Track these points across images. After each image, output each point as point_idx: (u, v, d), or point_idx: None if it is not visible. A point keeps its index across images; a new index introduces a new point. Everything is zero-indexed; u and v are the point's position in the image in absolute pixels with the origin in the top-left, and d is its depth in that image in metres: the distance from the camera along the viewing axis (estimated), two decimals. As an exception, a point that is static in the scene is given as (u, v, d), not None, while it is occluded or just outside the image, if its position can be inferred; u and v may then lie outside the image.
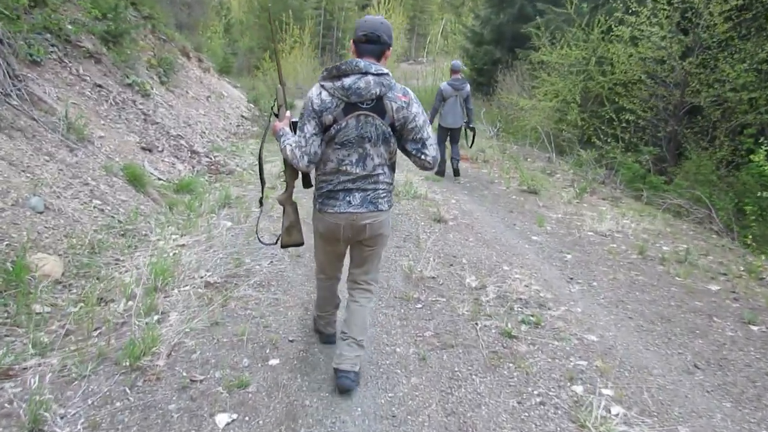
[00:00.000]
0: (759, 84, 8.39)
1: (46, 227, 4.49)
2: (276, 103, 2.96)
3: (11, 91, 5.90)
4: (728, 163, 8.90)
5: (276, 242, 3.14)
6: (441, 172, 8.96)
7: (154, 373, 2.87)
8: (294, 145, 2.69)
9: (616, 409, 2.85)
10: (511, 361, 3.29)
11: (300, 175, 2.97)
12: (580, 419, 2.73)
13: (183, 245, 4.94)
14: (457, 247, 5.35)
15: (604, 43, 11.24)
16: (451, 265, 4.85)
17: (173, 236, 5.19)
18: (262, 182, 3.25)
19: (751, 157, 7.62)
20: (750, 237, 6.51)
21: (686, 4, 9.30)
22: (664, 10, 9.53)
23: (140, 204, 5.90)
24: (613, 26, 10.71)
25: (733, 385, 3.27)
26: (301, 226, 3.06)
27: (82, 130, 6.39)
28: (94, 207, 5.28)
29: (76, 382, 2.77)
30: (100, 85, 8.02)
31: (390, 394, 2.89)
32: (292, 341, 3.36)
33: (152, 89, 9.63)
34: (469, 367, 3.20)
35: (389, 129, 2.67)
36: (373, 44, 2.65)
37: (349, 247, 2.99)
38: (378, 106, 2.62)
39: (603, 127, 10.77)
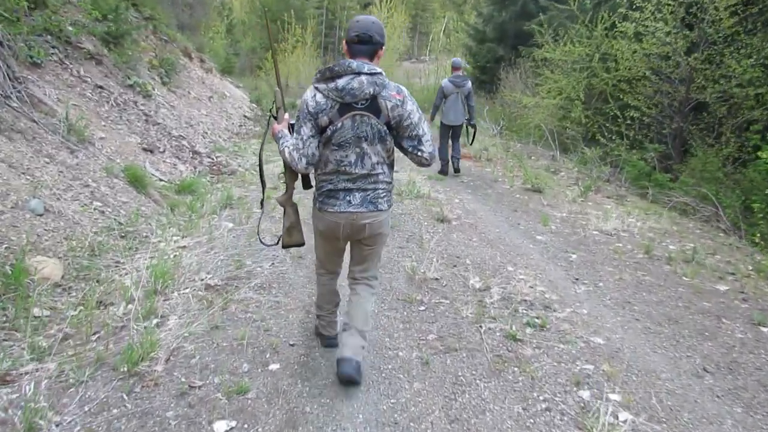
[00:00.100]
0: (765, 79, 8.30)
1: (45, 230, 4.45)
2: (274, 106, 2.98)
3: (11, 93, 5.86)
4: (735, 160, 8.81)
5: (277, 243, 3.16)
6: (444, 171, 8.90)
7: (152, 378, 2.82)
8: (292, 147, 2.72)
9: (623, 415, 2.79)
10: (516, 365, 3.22)
11: (300, 177, 2.98)
12: (587, 426, 2.66)
13: (184, 247, 4.89)
14: (460, 248, 5.29)
15: (608, 39, 11.18)
16: (455, 265, 4.79)
17: (174, 238, 5.15)
18: (262, 184, 3.26)
19: (758, 153, 7.54)
20: (758, 235, 6.43)
21: (691, -1, 9.24)
22: (669, 5, 9.45)
23: (141, 205, 5.85)
24: (617, 22, 10.64)
25: (744, 390, 3.20)
26: (301, 227, 3.09)
27: (83, 132, 6.35)
28: (95, 209, 5.24)
29: (72, 389, 2.72)
30: (101, 87, 7.98)
31: (392, 400, 2.83)
32: (292, 345, 3.31)
33: (154, 90, 9.59)
34: (473, 372, 3.14)
35: (385, 127, 2.69)
36: (365, 45, 2.68)
37: (349, 243, 3.01)
38: (373, 105, 2.65)
39: (607, 125, 10.70)
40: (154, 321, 3.41)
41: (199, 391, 2.77)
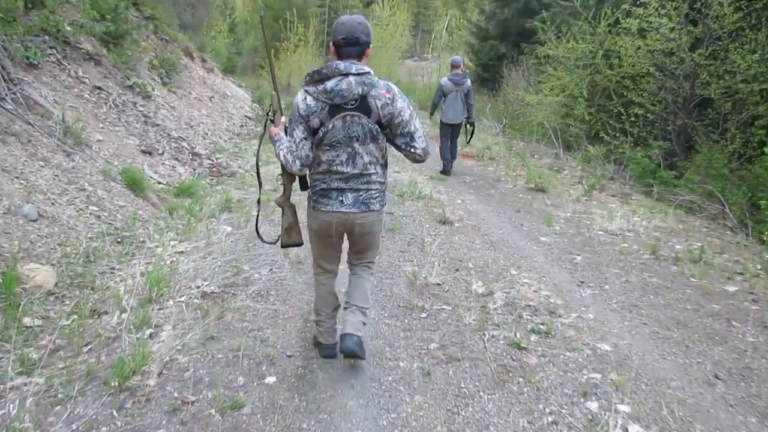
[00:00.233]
0: (770, 75, 8.18)
1: (39, 236, 4.37)
2: (272, 109, 2.99)
3: (6, 95, 5.78)
4: (740, 156, 8.68)
5: (276, 242, 3.20)
6: (447, 171, 8.80)
7: (143, 393, 2.72)
8: (286, 150, 2.77)
9: (633, 427, 2.68)
10: (520, 376, 3.12)
11: (297, 178, 3.01)
12: (595, 440, 2.57)
13: (181, 252, 4.81)
14: (463, 251, 5.18)
15: (611, 35, 11.05)
16: (457, 270, 4.69)
17: (172, 242, 5.07)
18: (259, 183, 3.31)
19: (764, 149, 7.42)
20: (766, 233, 6.32)
21: (695, -5, 9.11)
22: (673, 1, 9.32)
23: (139, 209, 5.77)
24: (620, 18, 10.52)
25: (758, 398, 3.09)
26: (299, 228, 3.13)
27: (80, 134, 6.27)
28: (91, 213, 5.15)
29: (60, 405, 2.62)
30: (99, 88, 7.89)
31: (393, 415, 2.73)
32: (290, 356, 3.21)
33: (154, 90, 9.50)
34: (477, 383, 3.03)
35: (376, 126, 2.74)
36: (352, 46, 2.71)
37: (345, 235, 3.08)
38: (362, 105, 2.69)
39: (611, 122, 10.57)
40: (148, 332, 3.31)
41: (192, 407, 2.67)
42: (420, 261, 4.74)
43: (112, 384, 2.76)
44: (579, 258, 5.25)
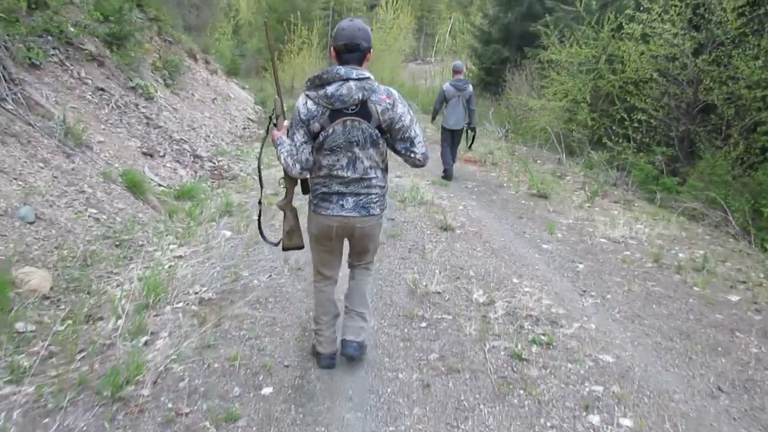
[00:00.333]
0: (773, 81, 8.13)
1: (35, 238, 4.33)
2: (274, 113, 2.98)
3: (6, 95, 5.75)
4: (743, 163, 8.63)
5: (278, 244, 3.20)
6: (448, 176, 8.76)
7: (137, 404, 2.67)
8: (286, 153, 2.78)
9: (636, 443, 2.63)
10: (521, 388, 3.06)
11: (299, 182, 3.02)
12: (597, 456, 2.51)
13: (180, 256, 4.76)
14: (464, 258, 5.13)
15: (615, 40, 11.05)
16: (458, 278, 4.63)
17: (171, 246, 5.02)
18: (261, 185, 3.40)
19: (767, 155, 7.36)
20: (768, 240, 6.27)
21: (698, 0, 9.05)
22: (676, 6, 9.30)
23: (138, 212, 5.73)
24: (623, 23, 10.50)
25: (762, 411, 3.04)
26: (301, 231, 3.14)
27: (81, 136, 6.24)
28: (89, 216, 5.11)
29: (49, 417, 2.56)
30: (101, 89, 7.86)
31: (391, 428, 2.67)
32: (287, 366, 3.15)
33: (156, 92, 9.47)
34: (477, 396, 2.98)
35: (377, 131, 2.75)
36: (353, 52, 2.73)
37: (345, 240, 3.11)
38: (363, 110, 2.70)
39: (614, 127, 10.54)
40: (143, 339, 3.26)
41: (186, 419, 2.62)
42: (421, 268, 4.69)
43: (105, 394, 2.71)
44: (581, 266, 5.19)
